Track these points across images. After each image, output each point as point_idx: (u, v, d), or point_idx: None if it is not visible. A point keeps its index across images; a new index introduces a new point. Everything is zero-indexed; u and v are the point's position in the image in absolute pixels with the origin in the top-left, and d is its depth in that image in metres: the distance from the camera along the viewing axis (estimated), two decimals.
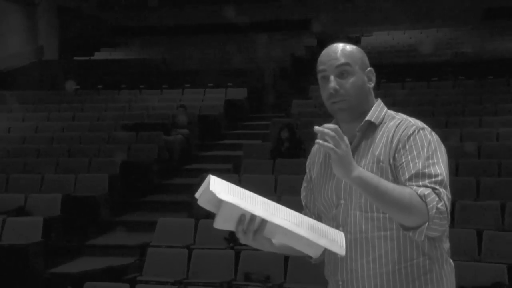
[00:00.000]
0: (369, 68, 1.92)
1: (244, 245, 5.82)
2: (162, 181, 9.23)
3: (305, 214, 2.02)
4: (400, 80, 11.30)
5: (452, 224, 6.05)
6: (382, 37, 15.67)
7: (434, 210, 1.68)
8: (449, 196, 1.74)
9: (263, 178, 7.43)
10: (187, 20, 17.31)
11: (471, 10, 15.83)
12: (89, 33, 17.22)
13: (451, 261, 1.89)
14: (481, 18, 16.11)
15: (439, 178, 1.73)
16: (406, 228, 1.73)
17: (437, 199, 1.69)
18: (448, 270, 1.86)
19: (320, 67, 1.91)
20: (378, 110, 1.90)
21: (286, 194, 6.61)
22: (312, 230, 1.68)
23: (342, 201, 1.87)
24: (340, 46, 1.92)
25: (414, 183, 1.72)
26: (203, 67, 14.01)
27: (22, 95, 12.54)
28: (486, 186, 6.76)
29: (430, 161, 1.76)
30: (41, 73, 13.77)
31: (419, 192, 1.69)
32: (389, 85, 10.89)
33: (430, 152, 1.77)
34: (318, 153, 2.02)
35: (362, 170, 1.70)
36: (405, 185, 1.73)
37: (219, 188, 1.63)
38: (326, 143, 1.65)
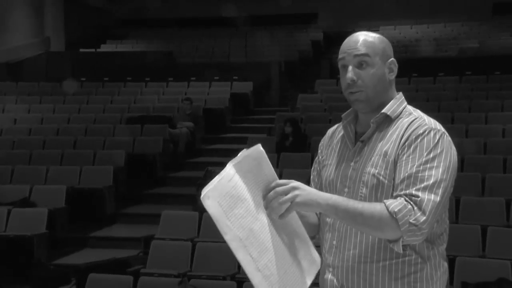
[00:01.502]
0: (391, 59, 1.88)
1: None
2: (166, 173, 9.24)
3: None
4: (406, 75, 11.25)
5: (456, 220, 6.09)
6: (389, 32, 15.60)
7: (406, 226, 1.66)
8: (437, 199, 1.69)
9: None
10: (193, 13, 17.29)
11: (479, 5, 15.75)
12: (95, 25, 17.23)
13: (445, 263, 1.87)
14: (489, 13, 16.02)
15: (429, 182, 1.70)
16: (387, 241, 1.74)
17: (411, 212, 1.67)
18: (440, 271, 1.84)
19: (340, 55, 1.89)
20: (396, 104, 1.88)
21: None
22: (267, 281, 1.62)
23: (346, 189, 1.86)
24: (362, 35, 1.89)
25: (398, 190, 1.72)
26: (209, 60, 14.01)
27: (29, 87, 12.57)
28: (491, 182, 6.73)
29: (428, 165, 1.72)
30: (47, 65, 13.79)
31: (390, 208, 1.68)
32: (396, 80, 10.83)
33: (431, 155, 1.74)
34: (333, 137, 2.01)
35: (328, 197, 1.73)
36: (397, 186, 1.73)
37: (218, 191, 1.57)
38: (283, 207, 1.69)
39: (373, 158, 1.82)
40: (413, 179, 1.71)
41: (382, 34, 1.96)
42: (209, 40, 15.75)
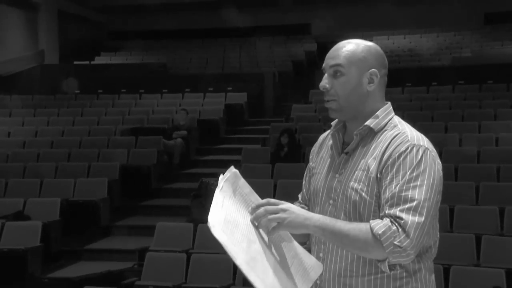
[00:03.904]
0: (372, 69, 1.84)
1: None
2: (161, 185, 9.23)
3: (301, 200, 2.07)
4: (400, 85, 11.30)
5: (450, 229, 6.10)
6: (382, 42, 15.68)
7: (391, 247, 1.66)
8: (421, 220, 1.68)
9: (262, 183, 7.41)
10: (187, 25, 17.35)
11: (471, 15, 15.87)
12: (89, 37, 17.26)
13: (432, 277, 1.86)
14: (481, 23, 16.14)
15: (413, 203, 1.69)
16: (376, 260, 1.76)
17: (395, 234, 1.66)
18: (426, 286, 1.83)
19: (323, 63, 1.90)
20: (381, 116, 1.85)
21: (285, 198, 6.59)
22: None
23: (331, 201, 1.86)
24: (343, 45, 1.87)
25: (384, 211, 1.72)
26: (203, 71, 14.04)
27: (23, 100, 12.56)
28: (485, 190, 6.76)
29: (411, 184, 1.70)
30: (41, 78, 13.79)
31: (374, 230, 1.68)
32: (389, 90, 10.85)
33: (414, 174, 1.71)
34: (323, 144, 2.01)
35: (316, 219, 1.74)
36: (383, 206, 1.72)
37: (217, 218, 1.65)
38: (271, 225, 1.71)
39: (356, 172, 1.81)
40: (396, 199, 1.70)
41: (376, 43, 1.94)
42: (202, 52, 15.80)
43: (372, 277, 1.79)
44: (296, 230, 1.75)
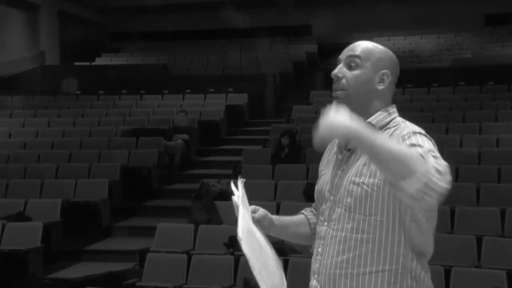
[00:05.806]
0: (384, 70, 1.89)
1: None
2: (162, 186, 9.23)
3: (313, 206, 2.10)
4: (400, 86, 11.28)
5: (451, 230, 6.10)
6: (383, 43, 15.49)
7: (432, 170, 1.57)
8: (450, 178, 1.62)
9: (263, 184, 7.42)
10: (187, 26, 17.35)
11: (472, 16, 15.87)
12: (90, 38, 17.27)
13: (427, 277, 1.85)
14: (482, 24, 16.15)
15: (440, 166, 1.62)
16: (400, 183, 1.59)
17: (436, 161, 1.61)
18: (422, 284, 1.83)
19: (340, 54, 1.94)
20: (383, 115, 1.88)
21: (285, 199, 6.60)
22: None
23: (331, 197, 1.88)
24: (363, 42, 1.94)
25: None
26: (204, 72, 14.05)
27: (24, 100, 12.57)
28: (486, 192, 6.76)
29: (432, 153, 1.66)
30: (42, 79, 13.79)
31: (420, 150, 1.63)
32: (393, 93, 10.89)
33: (430, 148, 1.69)
34: (330, 148, 2.04)
35: (362, 131, 1.61)
36: None
37: (244, 231, 1.81)
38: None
39: (358, 167, 1.83)
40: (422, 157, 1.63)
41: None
42: (203, 53, 15.80)
43: (368, 270, 1.80)
44: (333, 130, 1.63)
